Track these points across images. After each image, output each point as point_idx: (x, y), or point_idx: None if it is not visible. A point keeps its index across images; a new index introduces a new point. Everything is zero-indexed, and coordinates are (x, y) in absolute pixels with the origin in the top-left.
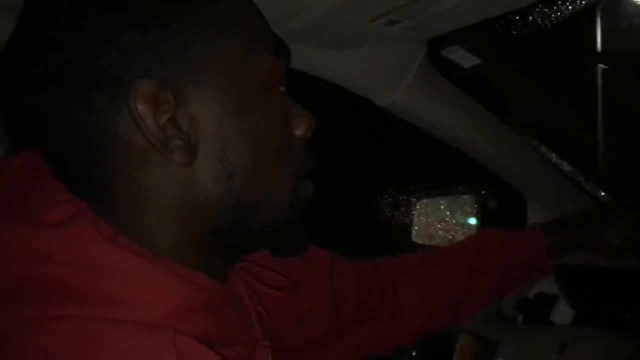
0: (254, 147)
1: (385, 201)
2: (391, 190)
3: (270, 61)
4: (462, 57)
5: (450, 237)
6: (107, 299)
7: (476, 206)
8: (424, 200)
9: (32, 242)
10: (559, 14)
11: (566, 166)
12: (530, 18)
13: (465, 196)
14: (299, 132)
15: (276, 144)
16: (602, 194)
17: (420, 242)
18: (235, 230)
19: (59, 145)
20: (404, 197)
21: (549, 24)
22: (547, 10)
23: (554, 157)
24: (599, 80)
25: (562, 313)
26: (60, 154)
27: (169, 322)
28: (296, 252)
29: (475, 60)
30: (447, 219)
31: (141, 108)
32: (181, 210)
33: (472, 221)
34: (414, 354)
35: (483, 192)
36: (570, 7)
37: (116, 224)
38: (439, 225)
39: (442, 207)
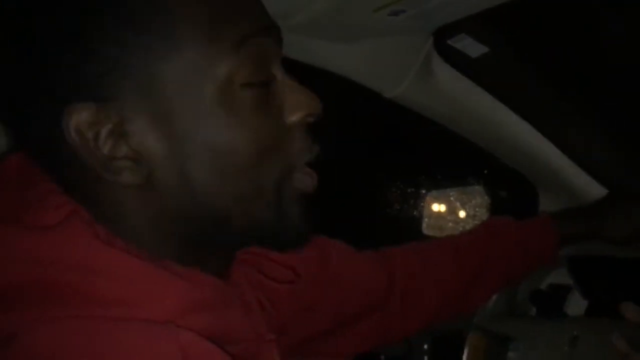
0: (214, 158)
1: (395, 192)
2: (401, 181)
3: (238, 59)
4: (470, 46)
5: (460, 228)
6: (107, 300)
7: (487, 197)
8: (434, 191)
9: (29, 245)
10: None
11: (577, 155)
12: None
13: (476, 187)
14: (293, 118)
15: (245, 148)
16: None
17: (430, 233)
18: (215, 236)
19: (39, 154)
20: (413, 188)
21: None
22: None
23: (565, 146)
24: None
25: (576, 304)
26: (44, 164)
27: (171, 320)
28: (294, 247)
29: (483, 49)
30: (458, 210)
31: (74, 135)
32: (154, 221)
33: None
34: (425, 347)
35: (494, 182)
36: None
37: (109, 227)
38: (449, 217)
39: (452, 198)
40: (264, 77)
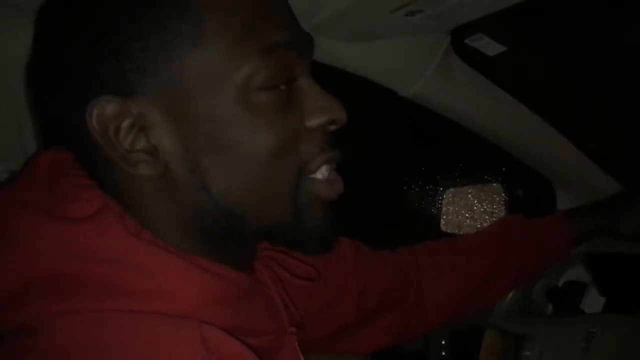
0: (229, 157)
1: (413, 190)
2: (418, 179)
3: (261, 62)
4: (487, 45)
5: (478, 225)
6: (134, 292)
7: (504, 194)
8: (452, 189)
9: (60, 236)
10: None
11: (595, 153)
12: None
13: (494, 184)
14: (311, 123)
15: (258, 149)
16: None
17: (449, 231)
18: (233, 233)
19: (73, 150)
20: (431, 186)
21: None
22: None
23: (582, 143)
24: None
25: (593, 301)
26: (77, 157)
27: (195, 314)
28: (316, 252)
29: (500, 48)
30: (475, 207)
31: (97, 127)
32: (173, 215)
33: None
34: (443, 342)
35: (511, 180)
36: None
37: (139, 219)
38: (467, 215)
39: (470, 196)
40: (285, 80)
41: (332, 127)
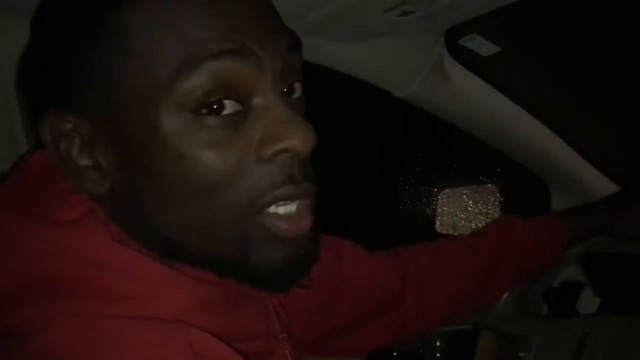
0: (161, 184)
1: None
2: (414, 180)
3: (192, 79)
4: (481, 46)
5: (473, 226)
6: (119, 297)
7: (499, 195)
8: (447, 190)
9: (46, 239)
10: None
11: (591, 153)
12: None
13: (488, 185)
14: (266, 151)
15: (192, 180)
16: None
17: (444, 232)
18: (179, 258)
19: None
20: (426, 187)
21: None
22: None
23: (577, 143)
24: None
25: (588, 301)
26: None
27: (182, 318)
28: (273, 290)
29: (494, 48)
30: (470, 208)
31: (50, 140)
32: (133, 231)
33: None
34: (438, 343)
35: (506, 180)
36: None
37: (123, 228)
38: (462, 215)
39: (465, 196)
40: (232, 98)
41: (297, 156)
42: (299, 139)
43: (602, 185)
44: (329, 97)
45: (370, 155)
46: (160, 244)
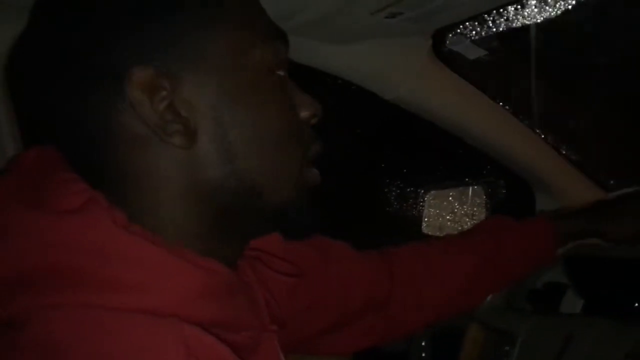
0: (254, 131)
1: (395, 192)
2: (400, 181)
3: (267, 47)
4: (468, 49)
5: (460, 228)
6: (119, 285)
7: (485, 196)
8: (433, 191)
9: (47, 228)
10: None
11: (574, 156)
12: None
13: (474, 187)
14: (303, 115)
15: (278, 128)
16: (612, 183)
17: (430, 233)
18: (242, 212)
19: (68, 139)
20: (412, 188)
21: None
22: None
23: (561, 147)
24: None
25: (572, 302)
26: (69, 147)
27: (181, 308)
28: (303, 236)
29: (480, 52)
30: (456, 210)
31: (137, 94)
32: (187, 194)
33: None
34: (423, 343)
35: (491, 183)
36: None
37: (129, 212)
38: (448, 217)
39: (451, 198)
40: (283, 70)
41: (315, 121)
42: (319, 106)
43: (586, 189)
44: (318, 99)
45: (354, 156)
46: (229, 197)
